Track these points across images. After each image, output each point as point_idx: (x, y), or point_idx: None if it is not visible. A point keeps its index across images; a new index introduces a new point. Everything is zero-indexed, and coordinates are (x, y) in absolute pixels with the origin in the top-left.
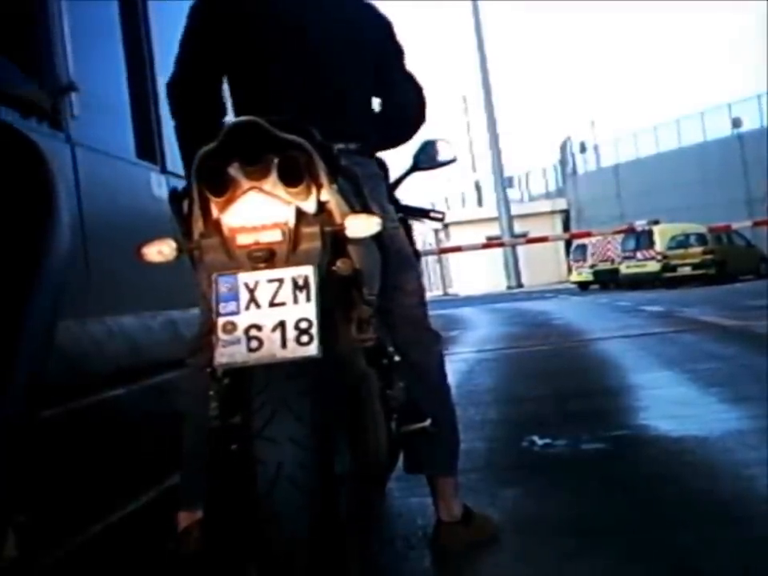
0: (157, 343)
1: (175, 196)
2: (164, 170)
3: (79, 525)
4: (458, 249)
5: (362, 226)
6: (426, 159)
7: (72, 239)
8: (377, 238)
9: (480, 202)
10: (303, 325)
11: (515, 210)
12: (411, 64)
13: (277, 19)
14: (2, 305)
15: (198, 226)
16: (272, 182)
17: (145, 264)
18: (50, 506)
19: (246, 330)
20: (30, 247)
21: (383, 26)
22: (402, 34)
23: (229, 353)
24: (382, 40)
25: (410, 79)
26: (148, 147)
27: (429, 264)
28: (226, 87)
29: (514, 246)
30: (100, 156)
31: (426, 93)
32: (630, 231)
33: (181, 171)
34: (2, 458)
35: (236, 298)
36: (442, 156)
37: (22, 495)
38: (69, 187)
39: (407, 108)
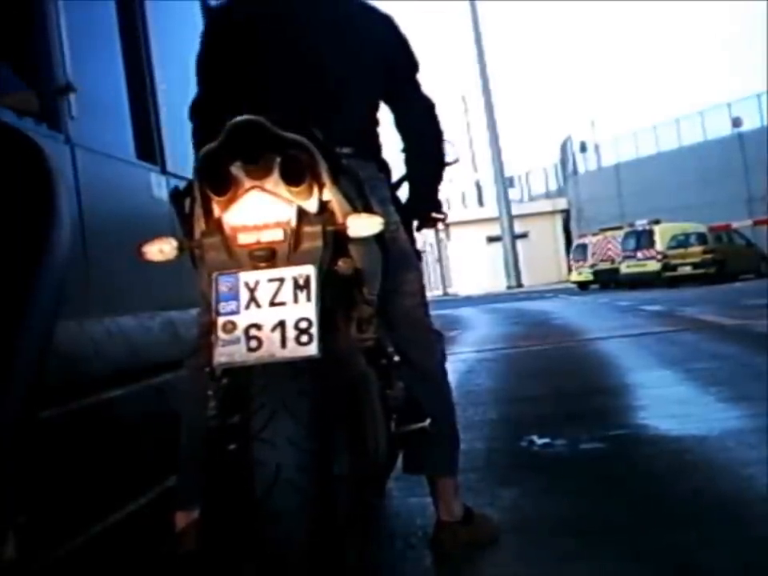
0: (156, 344)
1: (177, 195)
2: (164, 171)
3: (79, 525)
4: None
5: (363, 225)
6: None
7: (72, 240)
8: (378, 237)
9: (481, 202)
10: (303, 325)
11: (516, 209)
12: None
13: (279, 19)
14: (1, 305)
15: (200, 224)
16: (274, 181)
17: (145, 263)
18: (49, 507)
19: (246, 330)
20: (30, 247)
21: (393, 37)
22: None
23: (228, 352)
24: (391, 49)
25: (420, 96)
26: (148, 148)
27: (429, 264)
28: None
29: (513, 245)
30: (100, 157)
31: (438, 110)
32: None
33: (181, 172)
34: (2, 459)
35: (236, 298)
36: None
37: (22, 495)
38: (69, 188)
39: (423, 136)
